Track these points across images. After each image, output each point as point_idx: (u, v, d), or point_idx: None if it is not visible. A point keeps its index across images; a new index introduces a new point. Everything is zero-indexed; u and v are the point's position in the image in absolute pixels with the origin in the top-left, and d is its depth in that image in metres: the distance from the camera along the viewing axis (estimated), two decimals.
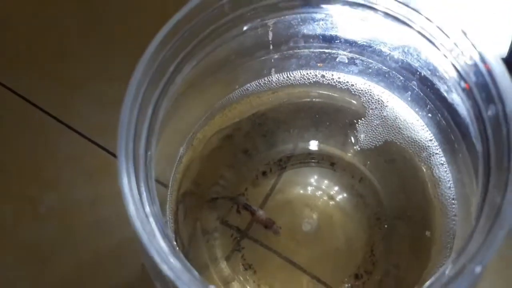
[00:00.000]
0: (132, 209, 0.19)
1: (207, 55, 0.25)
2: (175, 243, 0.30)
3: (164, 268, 0.19)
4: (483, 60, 0.20)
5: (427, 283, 0.20)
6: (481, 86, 0.20)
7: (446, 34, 0.22)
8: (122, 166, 0.20)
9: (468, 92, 0.21)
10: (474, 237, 0.18)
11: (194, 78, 0.27)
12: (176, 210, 0.33)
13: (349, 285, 0.33)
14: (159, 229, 0.20)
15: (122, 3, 0.46)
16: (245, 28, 0.24)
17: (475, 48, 0.20)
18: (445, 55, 0.22)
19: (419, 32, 0.23)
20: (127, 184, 0.20)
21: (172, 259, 0.19)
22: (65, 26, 0.46)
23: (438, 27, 0.22)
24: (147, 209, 0.20)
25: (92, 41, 0.45)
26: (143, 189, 0.20)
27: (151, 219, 0.20)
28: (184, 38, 0.22)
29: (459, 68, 0.22)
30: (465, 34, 0.20)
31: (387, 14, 0.23)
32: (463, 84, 0.22)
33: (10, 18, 0.46)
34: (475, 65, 0.20)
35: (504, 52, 0.30)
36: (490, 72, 0.20)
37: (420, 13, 0.22)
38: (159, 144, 0.27)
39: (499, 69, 0.19)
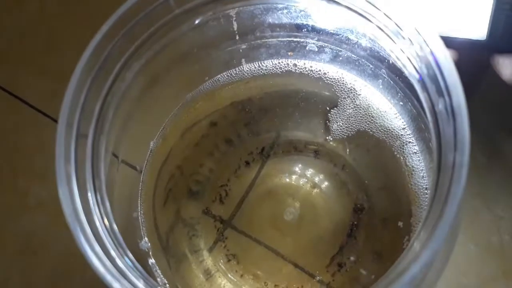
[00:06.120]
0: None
1: (161, 51, 0.24)
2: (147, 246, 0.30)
3: None
4: (432, 53, 0.19)
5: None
6: (432, 79, 0.20)
7: (400, 28, 0.21)
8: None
9: (422, 84, 0.21)
10: (413, 246, 0.18)
11: (156, 72, 0.27)
12: (154, 196, 0.33)
13: (333, 273, 0.33)
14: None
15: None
16: (196, 21, 0.24)
17: (426, 42, 0.20)
18: (402, 50, 0.22)
19: (378, 27, 0.22)
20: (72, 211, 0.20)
21: None
22: (50, 18, 0.46)
23: (396, 23, 0.21)
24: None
25: (78, 32, 0.45)
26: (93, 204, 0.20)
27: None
28: (127, 37, 0.22)
29: (413, 61, 0.21)
30: (417, 30, 0.20)
31: (349, 9, 0.22)
32: (417, 75, 0.21)
33: None
34: (425, 57, 0.20)
35: (483, 35, 0.29)
36: (438, 65, 0.19)
37: (379, 9, 0.21)
38: (125, 136, 0.27)
39: (447, 63, 0.19)
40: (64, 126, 0.20)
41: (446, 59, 0.18)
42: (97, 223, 0.21)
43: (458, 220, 0.18)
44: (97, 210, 0.21)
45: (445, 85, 0.19)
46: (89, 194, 0.21)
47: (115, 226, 0.22)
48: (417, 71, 0.21)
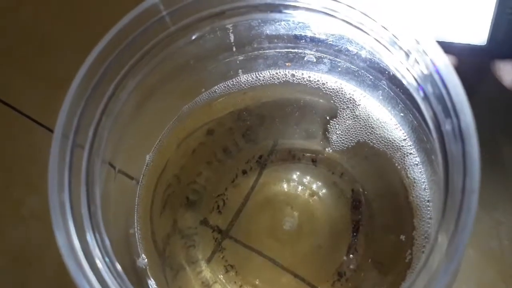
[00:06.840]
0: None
1: (158, 65, 0.23)
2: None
3: None
4: (437, 71, 0.19)
5: None
6: (438, 98, 0.19)
7: (400, 43, 0.21)
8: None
9: (426, 102, 0.20)
10: (426, 267, 0.17)
11: (152, 84, 0.26)
12: (151, 209, 0.33)
13: (332, 282, 0.33)
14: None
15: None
16: (193, 37, 0.23)
17: (429, 56, 0.19)
18: (401, 62, 0.21)
19: (375, 39, 0.22)
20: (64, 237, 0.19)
21: None
22: (45, 22, 0.45)
23: (393, 35, 0.21)
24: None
25: (74, 37, 0.44)
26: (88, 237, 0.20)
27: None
28: (122, 55, 0.21)
29: (416, 77, 0.21)
30: (418, 42, 0.19)
31: (346, 22, 0.22)
32: (422, 93, 0.20)
33: None
34: (431, 75, 0.19)
35: (483, 40, 0.28)
36: (444, 84, 0.18)
37: (376, 21, 0.21)
38: (122, 149, 0.27)
39: (453, 81, 0.18)
40: (57, 151, 0.19)
41: (452, 77, 0.18)
42: (100, 265, 0.20)
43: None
44: (97, 251, 0.20)
45: (452, 105, 0.18)
46: (88, 235, 0.20)
47: (118, 265, 0.22)
48: (418, 83, 0.20)
